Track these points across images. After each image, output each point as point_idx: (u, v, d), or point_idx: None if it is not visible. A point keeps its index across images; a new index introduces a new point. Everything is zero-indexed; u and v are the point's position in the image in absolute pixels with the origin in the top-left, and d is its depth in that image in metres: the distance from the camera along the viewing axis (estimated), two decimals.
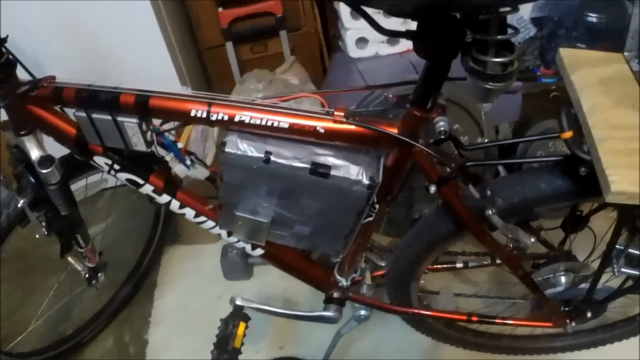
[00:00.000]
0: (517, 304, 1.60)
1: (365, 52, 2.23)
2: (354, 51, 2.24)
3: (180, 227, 2.33)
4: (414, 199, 1.92)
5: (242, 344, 1.41)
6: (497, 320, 1.49)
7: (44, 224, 1.49)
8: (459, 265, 1.62)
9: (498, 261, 1.60)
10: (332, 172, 1.07)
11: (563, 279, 1.45)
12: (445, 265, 1.62)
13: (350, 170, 1.07)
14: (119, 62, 2.08)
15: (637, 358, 1.70)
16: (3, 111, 1.25)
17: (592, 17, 2.14)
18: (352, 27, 2.20)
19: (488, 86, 0.92)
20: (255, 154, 1.07)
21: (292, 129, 1.05)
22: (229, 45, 2.45)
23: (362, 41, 2.21)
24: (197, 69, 2.67)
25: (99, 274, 1.83)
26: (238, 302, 1.42)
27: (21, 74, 1.24)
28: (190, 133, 2.01)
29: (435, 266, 1.60)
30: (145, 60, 2.12)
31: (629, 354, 1.71)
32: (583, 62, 1.12)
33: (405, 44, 2.21)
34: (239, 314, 1.41)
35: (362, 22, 2.09)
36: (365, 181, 1.07)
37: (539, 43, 2.26)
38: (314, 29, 2.52)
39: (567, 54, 1.14)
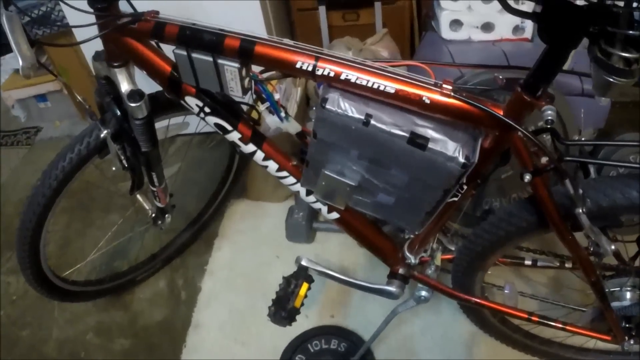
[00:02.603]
0: (575, 313, 1.57)
1: (457, 35, 2.19)
2: (446, 32, 2.20)
3: (249, 182, 2.35)
4: (486, 191, 1.90)
5: (302, 304, 1.41)
6: (556, 324, 1.47)
7: (122, 157, 1.52)
8: (528, 262, 1.60)
9: (567, 264, 1.57)
10: (430, 145, 1.05)
11: (629, 295, 1.41)
12: (514, 260, 1.60)
13: (448, 146, 1.05)
14: (208, 7, 2.10)
15: None
16: (96, 42, 1.25)
17: None
18: (448, 8, 2.16)
19: (611, 79, 0.89)
20: (356, 115, 1.06)
21: (398, 95, 1.03)
22: (322, 9, 2.44)
23: (456, 23, 2.17)
24: (285, 28, 2.66)
25: (166, 215, 1.86)
26: (303, 263, 1.42)
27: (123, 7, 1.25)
28: (273, 90, 2.02)
29: (504, 259, 1.58)
30: (236, 8, 2.13)
31: None
32: None
33: (500, 33, 2.16)
34: (302, 274, 1.42)
35: (459, 4, 2.10)
36: (461, 159, 1.05)
37: None
38: (409, 4, 2.49)
39: None
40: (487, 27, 2.16)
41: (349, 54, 2.10)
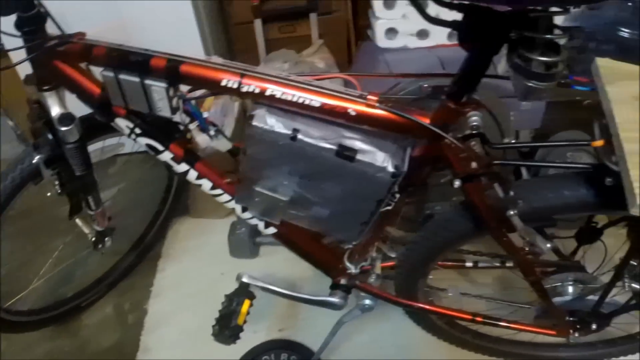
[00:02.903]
0: (521, 310, 1.59)
1: (394, 43, 2.21)
2: (382, 41, 2.22)
3: (190, 201, 2.33)
4: (428, 196, 1.91)
5: (245, 321, 1.40)
6: (501, 323, 1.49)
7: (57, 182, 1.49)
8: (469, 264, 1.62)
9: (508, 264, 1.59)
10: (358, 157, 1.05)
11: (570, 289, 1.44)
12: (455, 263, 1.61)
13: (377, 157, 1.05)
14: (143, 27, 2.07)
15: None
16: (28, 65, 1.24)
17: (625, 33, 2.11)
18: (383, 17, 2.18)
19: (531, 84, 0.91)
20: (283, 130, 1.06)
21: (323, 108, 1.04)
22: (258, 23, 2.45)
23: (391, 32, 2.20)
24: (222, 44, 2.65)
25: (106, 239, 1.83)
26: (244, 280, 1.41)
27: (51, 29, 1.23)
28: (210, 107, 2.01)
29: (445, 262, 1.59)
30: (172, 27, 2.12)
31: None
32: (619, 74, 1.10)
33: (435, 39, 2.19)
34: (244, 292, 1.41)
35: (394, 13, 2.12)
36: (390, 169, 1.05)
37: (568, 53, 2.23)
38: (345, 14, 2.50)
39: (603, 64, 1.12)
40: (423, 34, 2.19)
41: (285, 66, 2.11)
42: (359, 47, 2.50)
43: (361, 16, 2.58)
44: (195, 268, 2.20)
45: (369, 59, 2.25)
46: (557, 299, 1.41)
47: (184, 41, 2.12)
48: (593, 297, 1.39)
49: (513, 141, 1.77)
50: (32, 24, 1.18)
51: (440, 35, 2.18)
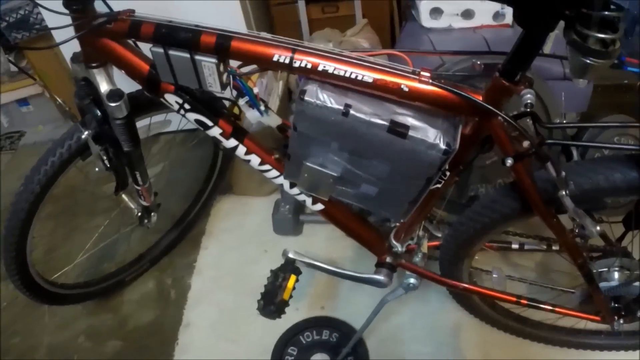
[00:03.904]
0: (564, 295, 1.58)
1: (438, 23, 2.20)
2: (427, 21, 2.20)
3: (234, 179, 2.34)
4: (471, 177, 1.90)
5: (291, 296, 1.41)
6: (546, 307, 1.48)
7: (105, 158, 1.51)
8: (515, 246, 1.60)
9: (554, 247, 1.58)
10: (410, 133, 1.04)
11: (616, 275, 1.42)
12: (501, 244, 1.60)
13: (428, 133, 1.05)
14: (186, 5, 2.08)
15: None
16: (74, 42, 1.25)
17: None
18: None
19: (588, 61, 0.89)
20: (335, 106, 1.06)
21: (376, 84, 1.03)
22: (301, 3, 2.45)
23: (436, 12, 2.18)
24: (264, 23, 2.66)
25: (152, 214, 1.85)
26: (290, 255, 1.42)
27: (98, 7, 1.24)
28: (254, 85, 2.01)
29: (491, 244, 1.58)
30: (214, 6, 2.13)
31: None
32: None
33: (480, 19, 2.17)
34: (290, 267, 1.42)
35: None
36: (442, 146, 1.04)
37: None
38: None
39: None
40: (467, 14, 2.17)
41: (329, 45, 2.10)
42: (402, 27, 2.48)
43: None
44: (238, 246, 2.23)
45: (413, 39, 2.24)
46: (602, 285, 1.40)
47: (226, 21, 2.12)
48: (639, 284, 1.37)
49: (564, 122, 1.75)
50: (80, 2, 1.18)
51: (485, 16, 2.16)
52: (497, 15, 2.16)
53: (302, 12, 2.48)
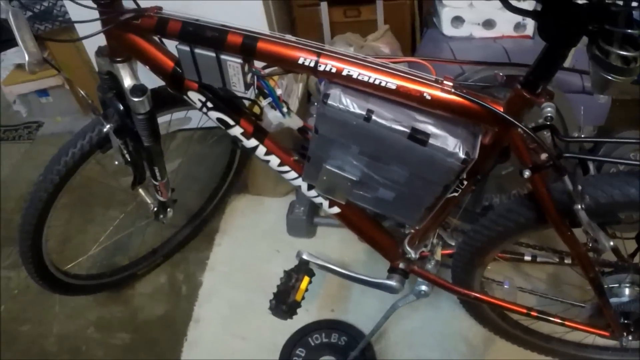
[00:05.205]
0: (574, 308, 1.58)
1: (459, 32, 2.20)
2: (448, 29, 2.21)
3: (250, 178, 2.35)
4: (486, 187, 1.90)
5: (303, 298, 1.42)
6: (555, 319, 1.48)
7: (125, 151, 1.52)
8: (527, 257, 1.61)
9: (567, 260, 1.58)
10: (430, 141, 1.05)
11: (627, 291, 1.42)
12: (513, 255, 1.61)
13: (448, 142, 1.05)
14: (209, 4, 2.09)
15: None
16: (99, 36, 1.26)
17: None
18: (450, 5, 2.17)
19: (609, 77, 0.90)
20: (357, 110, 1.07)
21: (399, 91, 1.04)
22: (324, 5, 2.45)
23: (457, 20, 2.18)
24: (286, 24, 2.67)
25: (168, 209, 1.86)
26: (304, 257, 1.43)
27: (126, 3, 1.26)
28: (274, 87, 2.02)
29: (504, 255, 1.59)
30: (238, 5, 2.13)
31: None
32: None
33: (501, 30, 2.17)
34: (304, 268, 1.43)
35: (460, 2, 2.10)
36: (461, 155, 1.05)
37: None
38: (410, 1, 2.49)
39: None
40: (489, 24, 2.17)
41: (350, 50, 2.11)
42: (423, 34, 2.49)
43: (426, 3, 2.57)
44: (251, 245, 2.24)
45: (433, 46, 2.24)
46: (612, 300, 1.40)
47: (249, 22, 2.14)
48: None
49: (582, 136, 1.75)
50: None
51: (506, 26, 2.16)
52: (518, 26, 2.16)
53: (325, 15, 2.48)
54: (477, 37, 2.20)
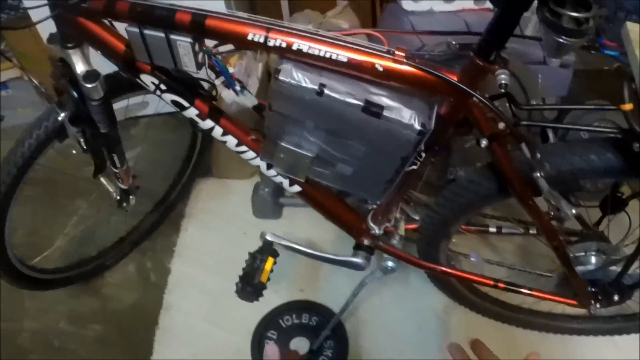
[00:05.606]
0: (542, 278, 1.59)
1: (419, 6, 2.19)
2: (408, 4, 2.19)
3: (213, 161, 2.33)
4: (450, 160, 1.90)
5: (269, 279, 1.41)
6: (523, 290, 1.48)
7: (82, 139, 1.49)
8: (492, 229, 1.61)
9: (532, 231, 1.58)
10: (385, 113, 1.04)
11: (593, 259, 1.43)
12: (478, 228, 1.61)
13: (403, 113, 1.04)
14: None
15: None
16: (50, 23, 1.23)
17: None
18: None
19: (561, 40, 0.89)
20: (309, 85, 1.05)
21: (350, 63, 1.02)
22: None
23: None
24: (244, 3, 2.63)
25: (130, 197, 1.84)
26: (268, 237, 1.41)
27: None
28: (234, 67, 2.00)
29: (469, 227, 1.59)
30: None
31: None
32: None
33: (461, 3, 2.16)
34: (268, 249, 1.41)
35: None
36: (417, 126, 1.04)
37: (597, 12, 2.21)
38: None
39: (633, 29, 1.11)
40: None
41: (309, 27, 2.09)
42: (384, 9, 2.47)
43: None
44: (218, 228, 2.22)
45: (394, 21, 2.23)
46: (579, 268, 1.41)
47: (207, 5, 2.11)
48: (615, 269, 1.39)
49: (541, 103, 1.75)
50: None
51: None
52: None
53: None
54: (438, 11, 2.19)
